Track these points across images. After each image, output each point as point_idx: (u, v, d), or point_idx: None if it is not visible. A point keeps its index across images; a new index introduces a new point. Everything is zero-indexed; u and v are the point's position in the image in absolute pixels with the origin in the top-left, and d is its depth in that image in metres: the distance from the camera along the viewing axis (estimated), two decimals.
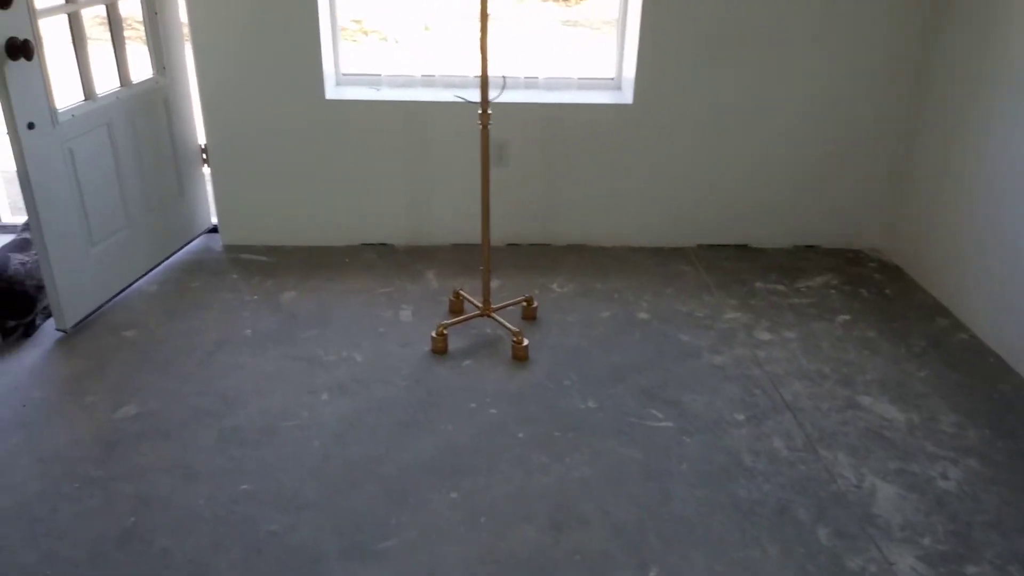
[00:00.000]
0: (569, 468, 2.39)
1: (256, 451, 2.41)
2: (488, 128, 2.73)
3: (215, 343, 2.95)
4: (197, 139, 3.63)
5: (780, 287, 3.50)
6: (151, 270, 3.43)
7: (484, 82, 2.65)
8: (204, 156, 3.64)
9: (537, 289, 3.39)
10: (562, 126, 3.56)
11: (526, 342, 2.88)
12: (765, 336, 3.12)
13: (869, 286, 3.53)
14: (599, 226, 3.79)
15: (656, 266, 3.64)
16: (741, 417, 2.64)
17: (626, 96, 3.57)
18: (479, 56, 2.61)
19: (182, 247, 3.63)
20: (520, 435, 2.52)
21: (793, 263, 3.73)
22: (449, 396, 2.68)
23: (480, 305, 3.00)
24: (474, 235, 3.73)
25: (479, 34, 2.58)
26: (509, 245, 3.76)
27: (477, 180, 3.61)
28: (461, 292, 3.15)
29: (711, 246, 3.85)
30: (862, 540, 2.17)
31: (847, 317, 3.27)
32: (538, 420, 2.59)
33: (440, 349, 2.91)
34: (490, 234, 2.84)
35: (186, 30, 3.46)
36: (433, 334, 2.91)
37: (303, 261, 3.57)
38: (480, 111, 2.70)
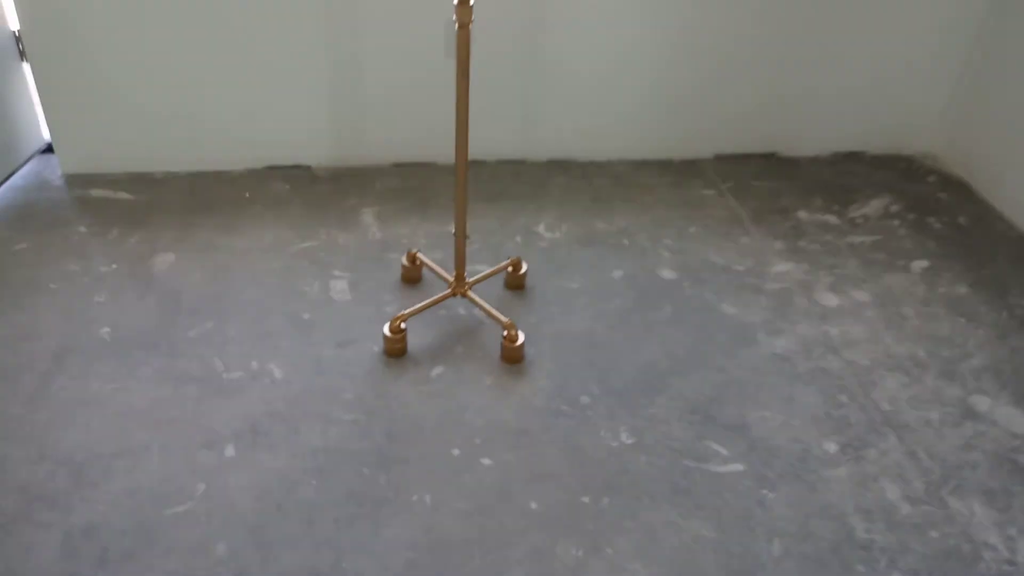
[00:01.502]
0: (616, 567, 1.60)
1: (125, 572, 1.52)
2: (469, 27, 1.71)
3: (54, 355, 1.96)
4: (8, 23, 2.44)
5: (831, 217, 2.68)
6: None
7: None
8: (20, 47, 2.46)
9: (518, 235, 2.48)
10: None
11: (521, 338, 2.01)
12: (831, 300, 2.33)
13: (938, 213, 2.75)
14: (590, 134, 2.83)
15: (669, 189, 2.76)
16: (833, 447, 1.88)
17: None
18: None
19: (3, 181, 2.51)
20: (533, 506, 1.70)
21: (838, 179, 2.89)
22: (419, 438, 1.82)
23: (451, 280, 2.08)
24: (426, 151, 2.75)
25: None
26: (471, 163, 2.78)
27: (426, 73, 2.58)
28: (419, 256, 2.21)
29: (732, 157, 2.97)
30: None
31: (924, 263, 2.50)
32: (555, 475, 1.76)
33: (397, 351, 2.01)
34: (464, 165, 1.88)
35: None
36: (386, 331, 1.99)
37: (183, 198, 2.52)
38: (457, 0, 1.67)
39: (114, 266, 2.23)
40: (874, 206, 2.76)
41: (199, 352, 1.98)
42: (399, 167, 2.74)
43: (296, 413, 1.85)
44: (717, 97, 2.83)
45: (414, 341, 2.06)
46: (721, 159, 2.95)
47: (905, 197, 2.82)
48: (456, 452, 1.79)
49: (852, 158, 3.03)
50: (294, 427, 1.81)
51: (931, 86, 2.93)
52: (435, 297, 2.06)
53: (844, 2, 2.70)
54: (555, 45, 2.61)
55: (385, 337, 1.99)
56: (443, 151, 2.75)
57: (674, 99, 2.80)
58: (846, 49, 2.80)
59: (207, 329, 2.05)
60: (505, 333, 2.00)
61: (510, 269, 2.22)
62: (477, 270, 2.30)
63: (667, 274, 2.37)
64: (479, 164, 2.79)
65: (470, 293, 2.07)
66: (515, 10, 2.51)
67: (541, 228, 2.51)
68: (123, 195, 2.51)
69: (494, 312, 2.04)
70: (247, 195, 2.55)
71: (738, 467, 1.81)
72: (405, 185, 2.66)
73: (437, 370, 1.99)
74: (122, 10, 2.33)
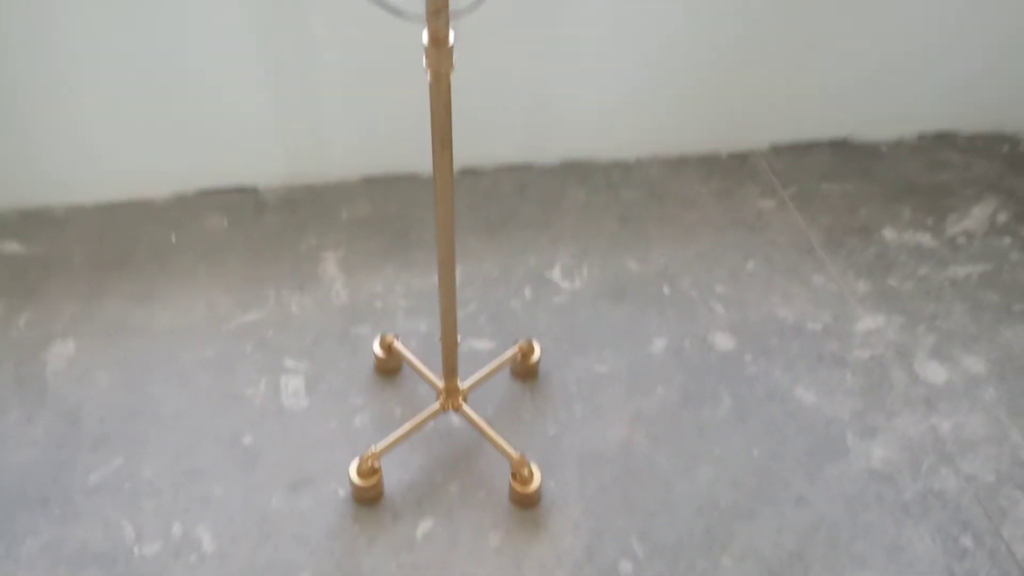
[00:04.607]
0: None
1: None
2: (449, 78, 1.10)
3: None
4: None
5: (924, 237, 2.09)
6: None
7: None
8: None
9: (527, 285, 1.91)
10: None
11: (536, 480, 1.48)
12: (936, 373, 1.79)
13: None
14: (613, 126, 2.21)
15: (717, 201, 2.16)
16: None
17: None
18: None
19: None
20: None
21: (928, 175, 2.29)
22: None
23: (440, 387, 1.54)
24: (404, 160, 2.16)
25: None
26: (464, 172, 2.17)
27: (400, 55, 1.92)
28: (396, 345, 1.65)
29: (794, 147, 2.34)
30: None
31: None
32: None
33: (370, 497, 1.49)
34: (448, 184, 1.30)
35: None
36: (354, 475, 1.47)
37: (91, 247, 1.94)
38: (427, 38, 1.06)
39: None
40: (976, 216, 2.17)
41: (103, 510, 1.47)
42: (371, 183, 2.14)
43: None
44: (771, 70, 2.18)
45: (393, 475, 1.54)
46: (779, 151, 2.33)
47: (1014, 199, 2.22)
48: None
49: (943, 141, 2.40)
50: None
51: None
52: (418, 418, 1.52)
53: None
54: (567, 12, 1.97)
55: (354, 484, 1.47)
56: (426, 159, 2.14)
57: (717, 76, 2.16)
58: (929, 6, 2.14)
59: (115, 469, 1.53)
60: (514, 472, 1.48)
61: (519, 355, 1.68)
62: (473, 348, 1.76)
63: (722, 342, 1.82)
64: (474, 173, 2.19)
65: (465, 407, 1.54)
66: None
67: (556, 273, 1.94)
68: (12, 246, 1.93)
69: (499, 441, 1.50)
70: (173, 238, 1.96)
71: None
72: (378, 212, 2.06)
73: (424, 525, 1.48)
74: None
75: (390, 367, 1.70)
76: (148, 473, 1.52)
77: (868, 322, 1.88)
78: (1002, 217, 2.16)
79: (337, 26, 1.87)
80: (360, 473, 1.46)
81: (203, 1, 1.78)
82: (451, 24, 1.05)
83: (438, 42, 1.06)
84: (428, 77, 1.10)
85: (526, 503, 1.49)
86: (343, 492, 1.51)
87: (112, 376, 1.68)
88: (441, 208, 1.24)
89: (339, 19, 1.86)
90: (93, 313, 1.79)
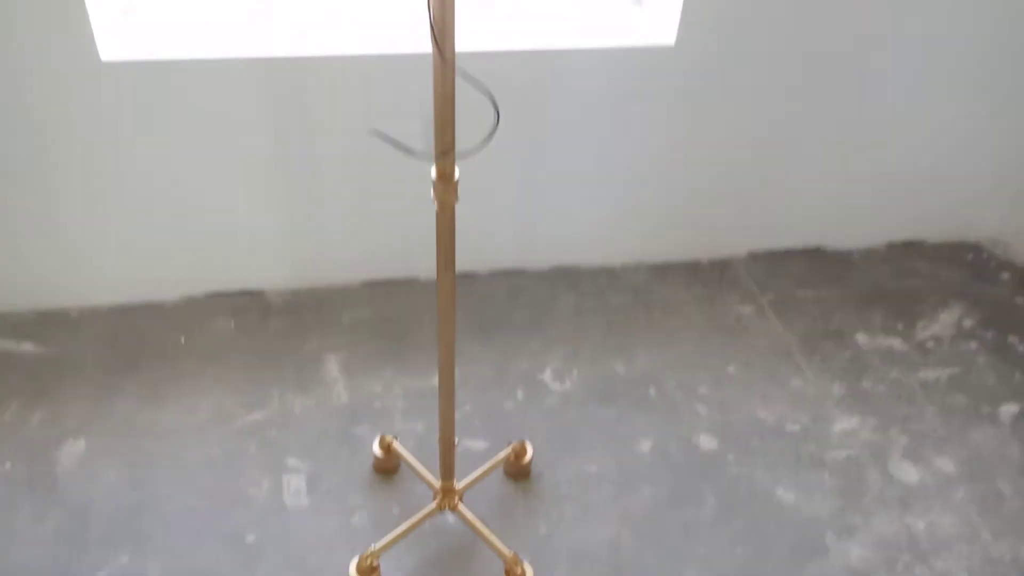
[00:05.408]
0: None
1: None
2: (453, 208, 1.23)
3: None
4: None
5: (895, 341, 2.21)
6: None
7: (445, 120, 1.12)
8: None
9: (520, 387, 2.00)
10: (550, 85, 2.03)
11: None
12: (909, 473, 1.87)
13: (1021, 329, 2.29)
14: (599, 235, 2.36)
15: (699, 307, 2.28)
16: None
17: (662, 32, 2.02)
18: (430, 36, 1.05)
19: None
20: None
21: (897, 281, 2.43)
22: None
23: (437, 487, 1.61)
24: (403, 265, 2.28)
25: None
26: (460, 277, 2.29)
27: (398, 170, 2.07)
28: (395, 445, 1.74)
29: (770, 254, 2.49)
30: None
31: (1015, 408, 2.05)
32: None
33: None
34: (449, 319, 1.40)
35: None
36: (353, 573, 1.53)
37: (103, 349, 2.03)
38: (434, 173, 1.19)
39: (7, 465, 1.75)
40: (944, 321, 2.29)
41: None
42: (371, 287, 2.25)
43: None
44: (748, 184, 2.34)
45: (391, 573, 1.59)
46: (757, 258, 2.47)
47: (979, 305, 2.35)
48: None
49: (910, 250, 2.55)
50: None
51: (998, 161, 2.46)
52: (416, 518, 1.59)
53: (890, 73, 2.22)
54: (556, 133, 2.13)
55: None
56: (424, 264, 2.26)
57: (698, 188, 2.32)
58: (896, 124, 2.32)
59: (121, 566, 1.58)
60: (507, 570, 1.54)
61: (512, 456, 1.76)
62: (467, 448, 1.83)
63: (706, 442, 1.90)
64: (469, 277, 2.31)
65: (461, 507, 1.61)
66: (509, 89, 2.02)
67: (547, 375, 2.04)
68: (27, 346, 2.02)
69: (493, 540, 1.57)
70: (182, 340, 2.06)
71: None
72: (378, 315, 2.17)
73: None
74: (13, 133, 1.83)
75: (389, 467, 1.77)
76: (153, 571, 1.57)
77: (844, 424, 1.97)
78: (968, 322, 2.29)
79: (340, 144, 2.02)
80: (359, 571, 1.52)
81: (216, 122, 1.93)
82: (456, 162, 1.18)
83: (445, 177, 1.19)
84: (435, 207, 1.22)
85: None
86: None
87: (120, 475, 1.74)
88: (443, 321, 1.35)
89: (342, 138, 2.01)
90: (103, 413, 1.87)
